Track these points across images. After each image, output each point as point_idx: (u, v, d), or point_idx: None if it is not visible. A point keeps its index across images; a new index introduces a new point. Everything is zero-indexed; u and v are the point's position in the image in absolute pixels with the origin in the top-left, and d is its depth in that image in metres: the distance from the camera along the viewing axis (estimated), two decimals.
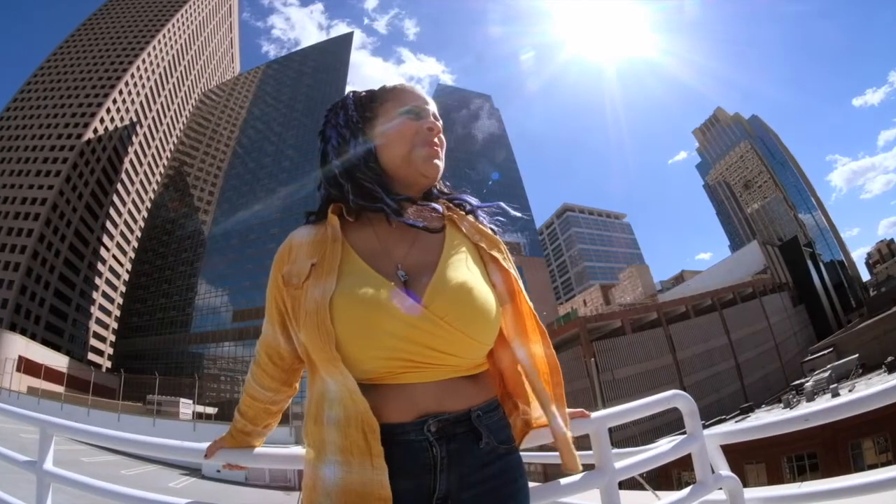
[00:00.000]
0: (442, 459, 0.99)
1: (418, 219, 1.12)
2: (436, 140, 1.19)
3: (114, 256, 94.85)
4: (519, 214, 1.36)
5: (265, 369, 1.25)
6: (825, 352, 35.30)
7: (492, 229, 1.25)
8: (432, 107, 1.23)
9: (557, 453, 1.16)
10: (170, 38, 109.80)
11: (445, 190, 1.29)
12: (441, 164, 1.19)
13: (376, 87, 1.27)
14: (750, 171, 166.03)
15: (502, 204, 1.32)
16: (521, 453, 1.16)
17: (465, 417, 1.03)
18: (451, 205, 1.24)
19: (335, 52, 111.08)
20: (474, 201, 1.29)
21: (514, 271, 1.18)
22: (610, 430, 1.44)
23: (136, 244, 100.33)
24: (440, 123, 1.22)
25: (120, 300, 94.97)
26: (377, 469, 0.92)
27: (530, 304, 1.19)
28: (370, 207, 1.12)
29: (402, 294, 1.01)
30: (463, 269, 1.08)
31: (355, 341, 0.99)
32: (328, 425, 0.98)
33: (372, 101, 1.23)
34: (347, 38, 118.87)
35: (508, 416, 1.21)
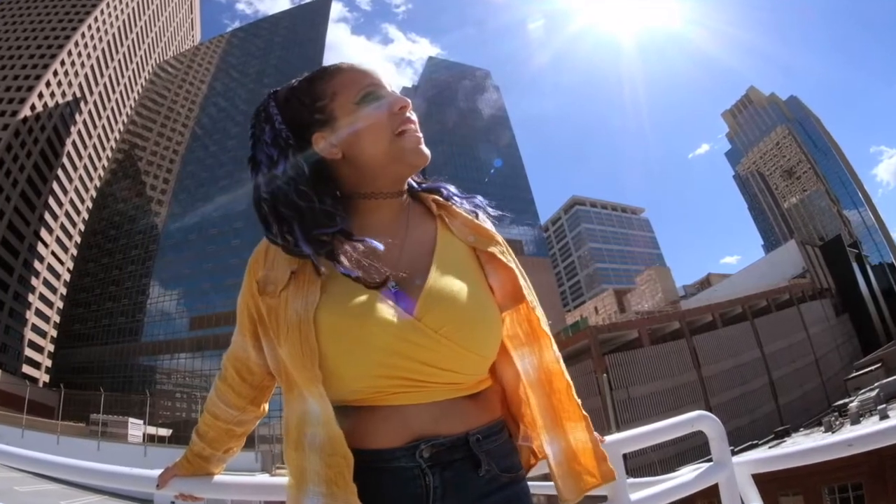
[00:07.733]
0: (435, 489, 0.98)
1: (354, 266, 1.01)
2: (412, 119, 1.14)
3: (53, 253, 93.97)
4: (498, 212, 1.29)
5: (232, 385, 1.25)
6: (872, 367, 35.59)
7: (492, 223, 1.25)
8: (387, 77, 1.16)
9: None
10: (119, 1, 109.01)
11: (418, 179, 1.26)
12: (428, 149, 1.15)
13: (308, 75, 1.17)
14: (787, 160, 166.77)
15: (479, 198, 1.29)
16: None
17: (463, 442, 1.02)
18: (441, 201, 1.22)
19: (310, 20, 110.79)
20: (452, 188, 1.27)
21: (515, 267, 1.14)
22: (625, 456, 1.44)
23: (78, 239, 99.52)
24: (407, 98, 1.15)
25: (60, 304, 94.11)
26: None
27: (538, 306, 1.17)
28: (291, 251, 1.05)
29: (392, 305, 1.01)
30: (457, 274, 1.07)
31: (342, 358, 0.98)
32: (310, 451, 0.97)
33: (315, 99, 1.13)
34: (325, 3, 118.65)
35: (514, 441, 1.20)
